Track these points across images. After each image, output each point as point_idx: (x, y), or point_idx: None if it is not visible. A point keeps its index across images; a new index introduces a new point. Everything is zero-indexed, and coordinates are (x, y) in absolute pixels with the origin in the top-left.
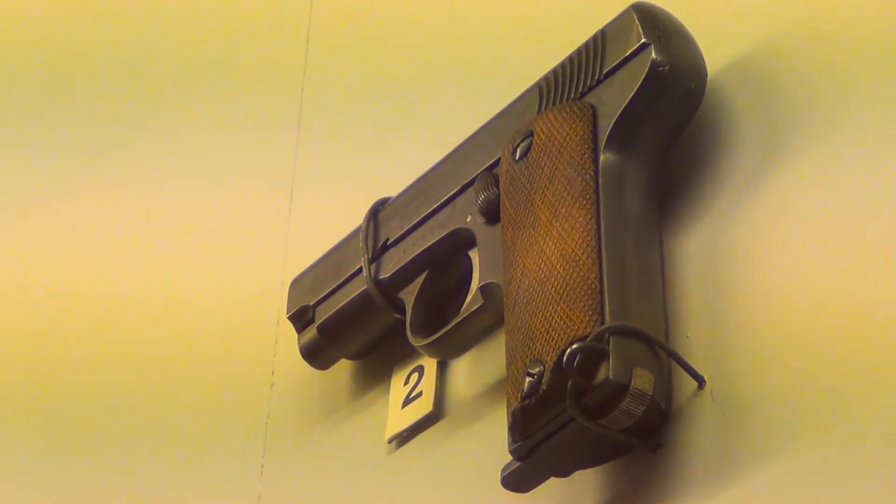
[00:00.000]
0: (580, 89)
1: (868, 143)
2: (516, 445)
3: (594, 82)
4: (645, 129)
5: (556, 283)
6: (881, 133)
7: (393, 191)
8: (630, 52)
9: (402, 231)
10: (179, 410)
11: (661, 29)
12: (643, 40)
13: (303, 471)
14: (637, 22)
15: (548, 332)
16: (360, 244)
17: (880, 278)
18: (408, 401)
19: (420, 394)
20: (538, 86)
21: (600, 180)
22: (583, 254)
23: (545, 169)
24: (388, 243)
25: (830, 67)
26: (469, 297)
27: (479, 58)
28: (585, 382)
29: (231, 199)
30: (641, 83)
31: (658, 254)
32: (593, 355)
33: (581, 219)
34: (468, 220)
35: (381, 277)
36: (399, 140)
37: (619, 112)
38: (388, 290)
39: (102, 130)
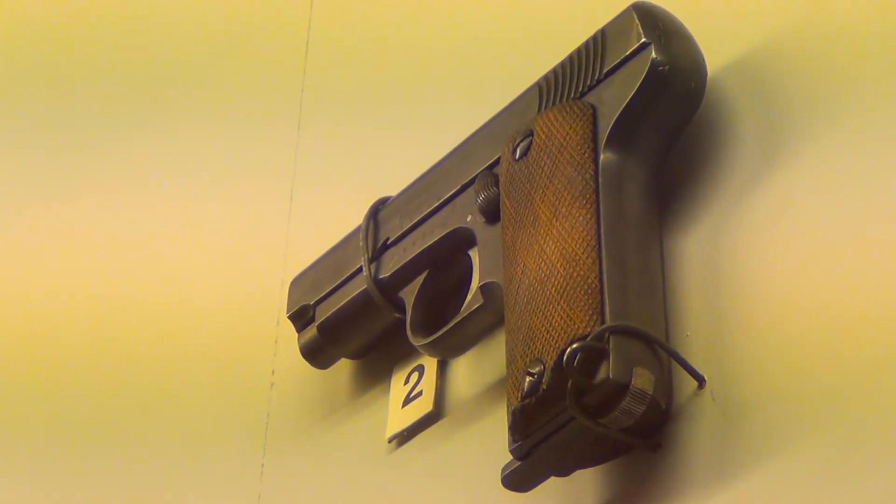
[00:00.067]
0: (580, 89)
1: (868, 143)
2: (516, 445)
3: (594, 82)
4: (645, 129)
5: (556, 283)
6: (881, 133)
7: (393, 190)
8: (630, 51)
9: (403, 230)
10: (179, 410)
11: (661, 28)
12: (643, 40)
13: (303, 470)
14: (637, 21)
15: (548, 332)
16: (361, 243)
17: (880, 278)
18: (408, 400)
19: (420, 393)
20: (538, 85)
21: (600, 180)
22: (583, 253)
23: (545, 168)
24: (389, 242)
25: (830, 67)
26: (469, 297)
27: (479, 58)
28: (586, 382)
29: (231, 199)
30: (641, 83)
31: (658, 253)
32: (593, 355)
33: (581, 218)
34: (468, 219)
35: (382, 277)
36: (399, 140)
37: (620, 111)
38: (389, 289)
39: (102, 130)
